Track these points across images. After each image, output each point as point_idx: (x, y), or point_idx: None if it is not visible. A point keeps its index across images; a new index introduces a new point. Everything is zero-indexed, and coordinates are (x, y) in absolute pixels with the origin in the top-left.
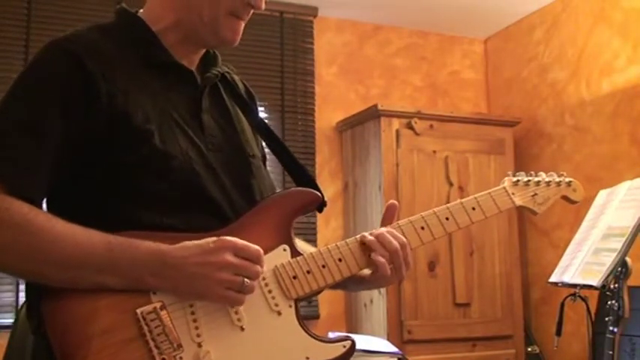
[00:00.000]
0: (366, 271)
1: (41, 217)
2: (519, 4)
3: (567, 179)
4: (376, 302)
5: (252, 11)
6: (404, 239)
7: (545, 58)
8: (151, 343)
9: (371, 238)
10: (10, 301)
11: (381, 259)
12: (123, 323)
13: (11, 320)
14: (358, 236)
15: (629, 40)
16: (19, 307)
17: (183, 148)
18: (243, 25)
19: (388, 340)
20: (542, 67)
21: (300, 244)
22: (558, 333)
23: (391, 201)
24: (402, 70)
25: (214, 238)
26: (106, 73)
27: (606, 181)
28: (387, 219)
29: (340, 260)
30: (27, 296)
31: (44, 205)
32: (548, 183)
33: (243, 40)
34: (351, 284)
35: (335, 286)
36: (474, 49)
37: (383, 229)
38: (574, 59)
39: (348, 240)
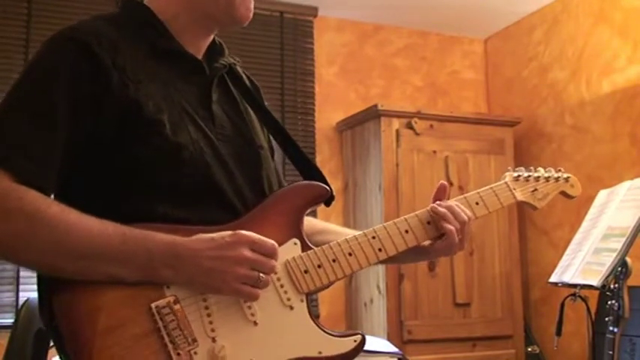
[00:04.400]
0: (427, 242)
1: (54, 207)
2: (519, 4)
3: (565, 175)
4: (376, 302)
5: None
6: (470, 213)
7: (545, 58)
8: (166, 338)
9: (443, 209)
10: (10, 301)
11: (451, 227)
12: (136, 317)
13: (11, 320)
14: (419, 211)
15: (629, 40)
16: (19, 307)
17: (195, 139)
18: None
19: (388, 340)
20: (542, 67)
21: (334, 227)
22: (558, 333)
23: (441, 182)
24: (402, 70)
25: (230, 232)
26: (115, 61)
27: (606, 181)
28: (438, 198)
29: (350, 254)
30: (38, 290)
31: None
32: (547, 179)
33: (244, 40)
34: (411, 255)
35: (391, 259)
36: (474, 49)
37: (452, 202)
38: (574, 59)
39: (357, 234)
